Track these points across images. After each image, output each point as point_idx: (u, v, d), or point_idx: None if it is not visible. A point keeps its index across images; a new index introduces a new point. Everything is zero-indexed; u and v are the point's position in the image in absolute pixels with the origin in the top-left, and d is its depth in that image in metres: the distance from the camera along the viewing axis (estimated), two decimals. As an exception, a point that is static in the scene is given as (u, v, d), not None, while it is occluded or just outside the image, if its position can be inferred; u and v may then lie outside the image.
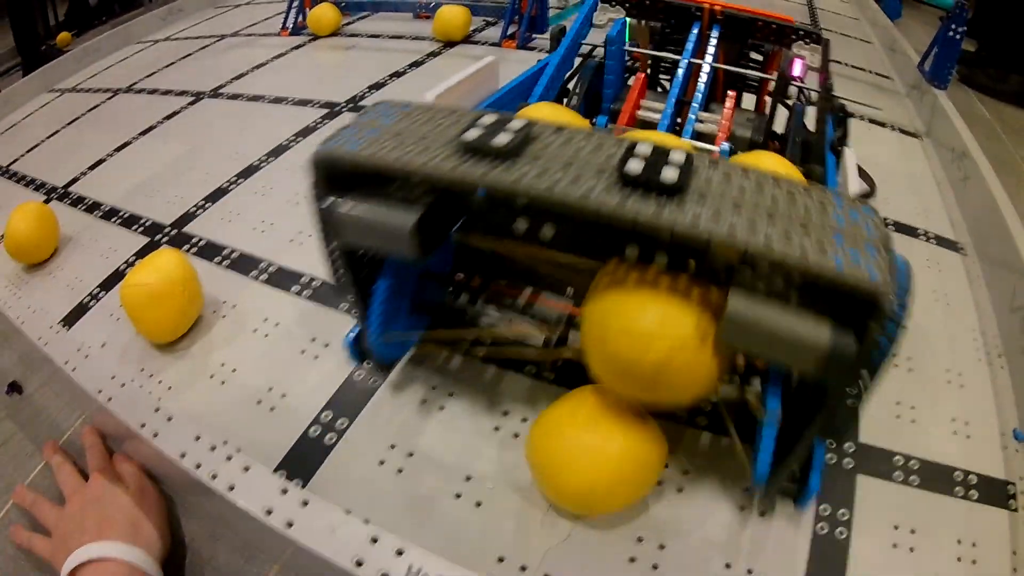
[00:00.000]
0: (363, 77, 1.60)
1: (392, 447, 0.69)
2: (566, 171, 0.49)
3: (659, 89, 1.09)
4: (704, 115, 0.93)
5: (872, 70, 1.93)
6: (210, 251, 1.01)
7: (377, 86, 1.55)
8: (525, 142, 0.52)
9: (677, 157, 0.48)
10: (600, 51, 1.03)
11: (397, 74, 1.62)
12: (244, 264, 0.97)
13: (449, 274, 0.75)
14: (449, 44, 1.85)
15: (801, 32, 1.01)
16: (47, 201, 1.24)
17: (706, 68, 0.97)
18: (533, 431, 0.62)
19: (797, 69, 0.96)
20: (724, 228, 0.44)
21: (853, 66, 1.93)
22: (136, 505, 0.66)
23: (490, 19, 2.01)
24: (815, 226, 0.45)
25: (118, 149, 1.41)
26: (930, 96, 1.58)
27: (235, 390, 0.78)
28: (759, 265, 0.48)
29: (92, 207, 1.19)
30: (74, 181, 1.30)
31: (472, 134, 0.51)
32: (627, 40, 1.05)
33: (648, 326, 0.51)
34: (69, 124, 1.62)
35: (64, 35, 2.82)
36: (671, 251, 0.53)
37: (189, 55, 2.01)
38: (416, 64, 1.70)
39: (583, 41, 1.06)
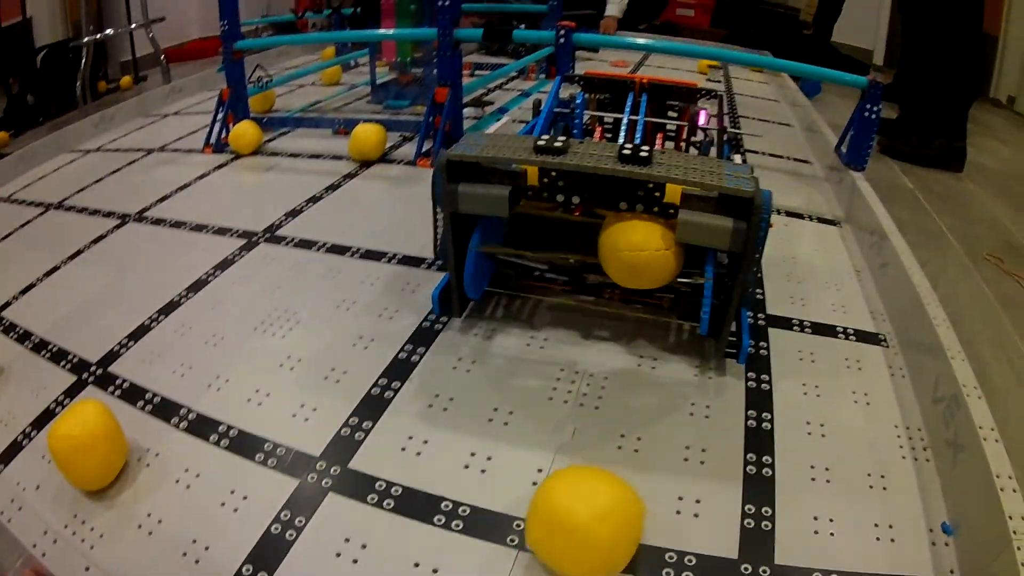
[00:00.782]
0: (281, 203, 1.65)
1: (313, 600, 0.71)
2: (592, 157, 0.91)
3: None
4: (641, 154, 1.39)
5: (791, 156, 1.99)
6: (133, 394, 1.03)
7: (294, 213, 1.60)
8: (568, 146, 0.93)
9: (645, 148, 0.90)
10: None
11: (314, 199, 1.67)
12: (165, 410, 1.00)
13: (502, 243, 1.13)
14: (366, 163, 1.91)
15: (704, 92, 1.44)
16: (-19, 325, 1.27)
17: (640, 122, 1.31)
18: (533, 518, 0.72)
19: (702, 118, 1.40)
20: (674, 175, 0.87)
21: (772, 155, 1.99)
22: None
23: (407, 134, 2.08)
24: (717, 173, 0.88)
25: (48, 273, 1.44)
26: (848, 179, 1.63)
27: (161, 541, 0.80)
28: (691, 197, 0.91)
29: (23, 336, 1.22)
30: (6, 306, 1.33)
31: (541, 143, 0.93)
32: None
33: (639, 241, 0.93)
34: (2, 240, 1.65)
35: (2, 135, 2.85)
36: (644, 203, 0.94)
37: (118, 170, 2.05)
38: (333, 187, 1.75)
39: (555, 109, 1.45)
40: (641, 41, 2.22)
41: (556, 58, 2.08)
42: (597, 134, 1.42)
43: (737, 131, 1.42)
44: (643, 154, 0.89)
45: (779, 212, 1.59)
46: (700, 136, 1.42)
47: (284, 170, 1.93)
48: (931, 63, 2.22)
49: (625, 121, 1.31)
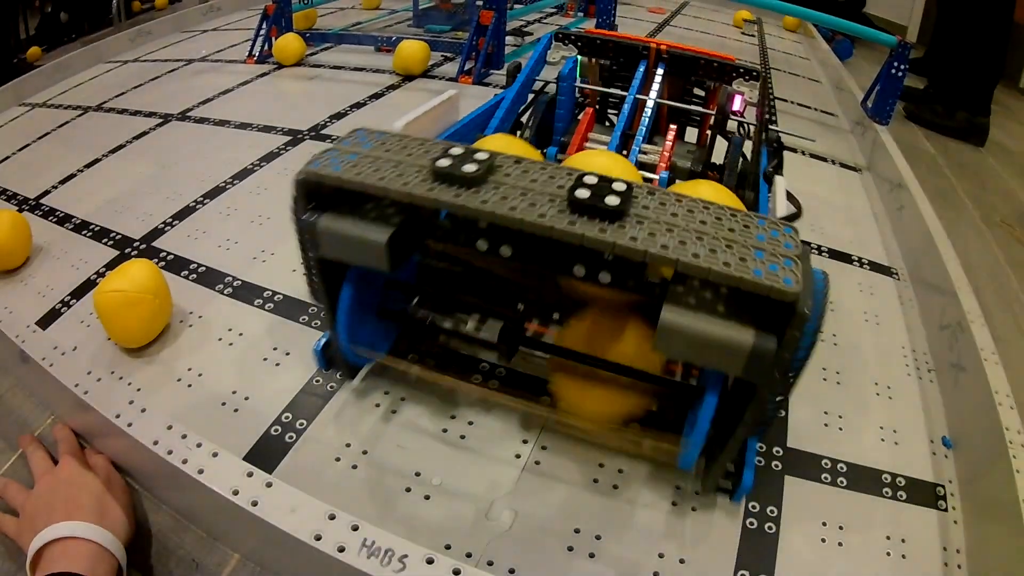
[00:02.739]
0: (325, 107, 1.67)
1: (347, 446, 0.75)
2: (524, 197, 0.57)
3: (607, 123, 1.18)
4: (647, 147, 1.00)
5: (818, 108, 2.03)
6: (178, 265, 1.06)
7: (339, 116, 1.62)
8: (489, 171, 0.60)
9: (619, 186, 0.56)
10: (552, 87, 1.12)
11: (358, 105, 1.70)
12: (210, 278, 1.03)
13: (413, 285, 0.82)
14: (408, 78, 1.93)
15: (741, 69, 1.08)
16: (19, 211, 1.27)
17: (650, 103, 1.04)
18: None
19: (736, 104, 1.03)
20: (658, 246, 0.52)
21: (800, 104, 2.03)
22: (104, 490, 0.69)
23: (448, 55, 2.10)
24: (739, 243, 0.53)
25: (88, 165, 1.45)
26: (872, 131, 1.68)
27: (201, 393, 0.83)
28: (689, 280, 0.56)
29: (63, 219, 1.23)
30: (45, 194, 1.34)
31: (443, 163, 0.59)
32: (578, 77, 1.14)
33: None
34: (40, 139, 1.65)
35: (35, 49, 2.84)
36: (612, 273, 0.61)
37: (157, 78, 2.06)
38: (376, 96, 1.77)
39: (536, 77, 1.15)
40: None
41: (596, -7, 2.08)
42: (585, 117, 1.07)
43: (778, 129, 1.13)
44: (611, 203, 0.55)
45: (803, 154, 1.62)
46: (732, 126, 1.09)
47: (327, 80, 1.95)
48: (961, 42, 2.23)
49: (630, 101, 1.04)
